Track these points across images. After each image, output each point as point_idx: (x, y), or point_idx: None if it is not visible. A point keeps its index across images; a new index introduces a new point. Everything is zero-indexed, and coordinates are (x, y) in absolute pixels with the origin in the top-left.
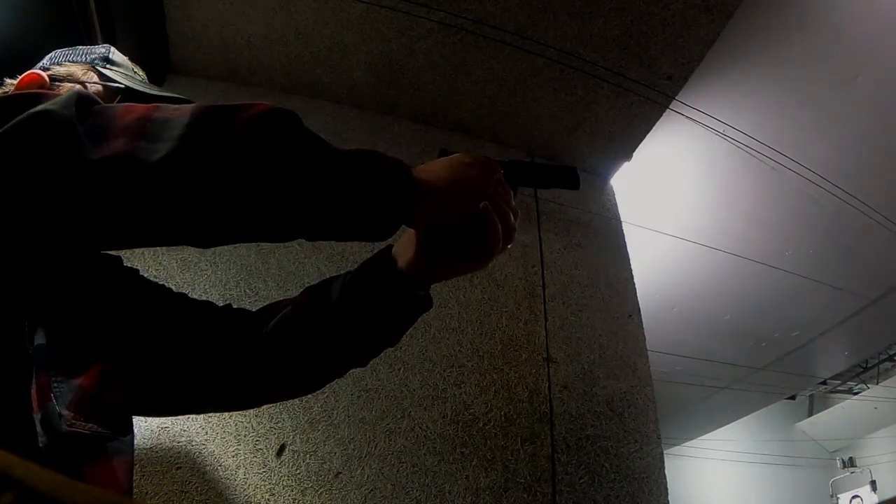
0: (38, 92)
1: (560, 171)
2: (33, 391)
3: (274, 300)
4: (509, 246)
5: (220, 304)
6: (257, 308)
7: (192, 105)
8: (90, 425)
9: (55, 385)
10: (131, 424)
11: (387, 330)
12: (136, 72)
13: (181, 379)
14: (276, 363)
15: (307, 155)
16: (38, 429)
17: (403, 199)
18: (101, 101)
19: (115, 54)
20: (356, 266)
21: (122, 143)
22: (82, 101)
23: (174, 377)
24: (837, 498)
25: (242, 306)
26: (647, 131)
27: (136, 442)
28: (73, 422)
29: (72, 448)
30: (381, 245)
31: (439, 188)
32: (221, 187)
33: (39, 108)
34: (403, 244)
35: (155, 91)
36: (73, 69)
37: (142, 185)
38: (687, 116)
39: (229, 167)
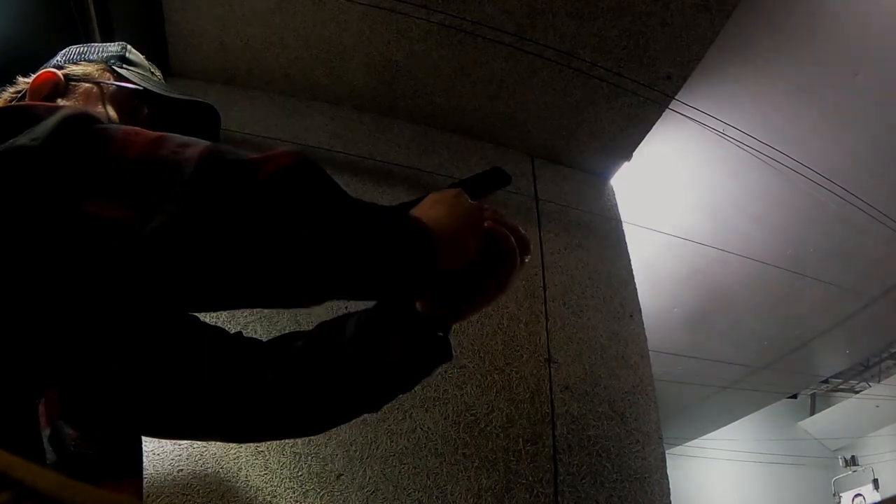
0: (28, 107)
1: (487, 174)
2: (41, 407)
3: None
4: (528, 258)
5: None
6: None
7: (201, 151)
8: (96, 447)
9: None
10: (140, 444)
11: (402, 380)
12: (153, 72)
13: (180, 399)
14: (283, 397)
15: (337, 220)
16: (46, 446)
17: (426, 258)
18: (94, 117)
19: (132, 53)
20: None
21: (108, 205)
22: (70, 125)
23: (172, 396)
24: (840, 497)
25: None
26: (647, 131)
27: None
28: (78, 442)
29: (80, 467)
30: None
31: (450, 233)
32: (228, 259)
33: (16, 145)
34: None
35: (174, 94)
36: (90, 69)
37: (133, 255)
38: (686, 116)
39: (246, 236)
